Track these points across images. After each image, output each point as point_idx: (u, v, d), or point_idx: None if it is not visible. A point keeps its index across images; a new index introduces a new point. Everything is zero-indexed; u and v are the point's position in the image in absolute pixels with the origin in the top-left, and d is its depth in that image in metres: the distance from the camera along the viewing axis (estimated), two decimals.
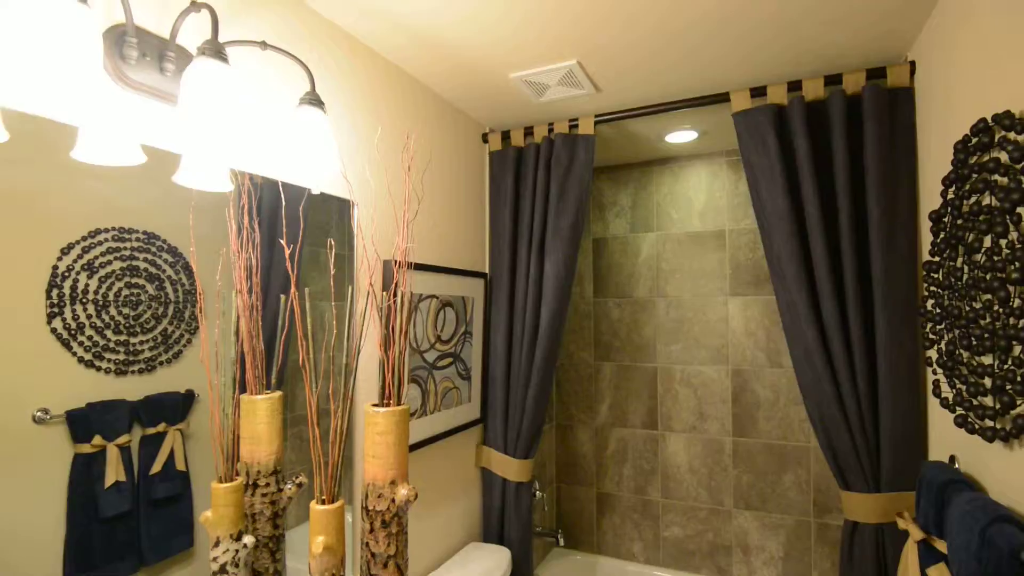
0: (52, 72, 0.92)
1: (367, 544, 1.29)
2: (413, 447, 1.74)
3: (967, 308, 1.18)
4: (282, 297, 1.45)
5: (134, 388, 1.07)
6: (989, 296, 1.09)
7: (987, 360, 1.12)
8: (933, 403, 1.54)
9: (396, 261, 1.35)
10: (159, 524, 1.12)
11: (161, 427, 1.12)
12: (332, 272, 1.48)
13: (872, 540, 1.61)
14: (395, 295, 1.33)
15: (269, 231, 1.37)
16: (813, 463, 2.42)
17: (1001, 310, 1.04)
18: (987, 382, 1.12)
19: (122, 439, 1.04)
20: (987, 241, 1.13)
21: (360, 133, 1.58)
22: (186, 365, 1.17)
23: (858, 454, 1.63)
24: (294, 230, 1.42)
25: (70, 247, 0.96)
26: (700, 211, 2.65)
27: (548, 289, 2.03)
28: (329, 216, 1.51)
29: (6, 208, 0.88)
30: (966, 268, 1.20)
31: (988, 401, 1.13)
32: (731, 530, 2.57)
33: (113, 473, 1.03)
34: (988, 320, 1.08)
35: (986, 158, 1.11)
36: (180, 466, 1.17)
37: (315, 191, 1.45)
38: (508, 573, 1.94)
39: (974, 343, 1.13)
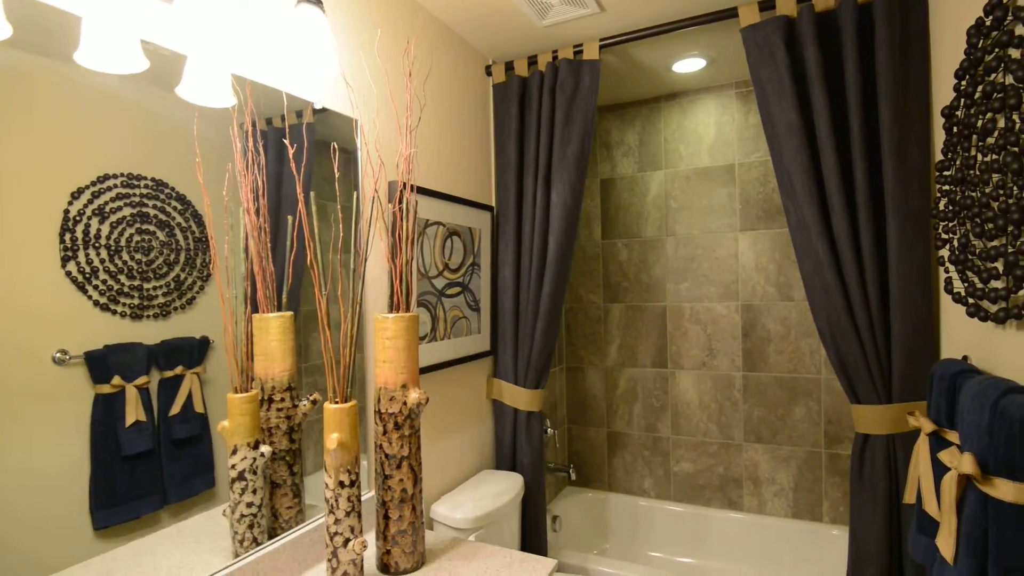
0: None
1: (380, 446, 1.32)
2: (424, 370, 1.76)
3: (979, 195, 1.16)
4: (289, 218, 1.45)
5: (150, 332, 1.08)
6: (999, 175, 1.07)
7: (1000, 243, 1.11)
8: (946, 310, 1.53)
9: (400, 171, 1.35)
10: (181, 464, 1.14)
11: (178, 370, 1.14)
12: (337, 176, 1.48)
13: (883, 451, 1.62)
14: (400, 202, 1.33)
15: (275, 164, 1.37)
16: (824, 394, 2.43)
17: (1015, 186, 1.02)
18: (999, 265, 1.10)
19: (140, 380, 1.06)
20: (1000, 121, 1.11)
21: (358, 47, 1.56)
22: (200, 312, 1.18)
23: (869, 366, 1.63)
24: (297, 149, 1.42)
25: (80, 191, 0.97)
26: (709, 146, 2.61)
27: (555, 219, 2.02)
28: (334, 164, 1.51)
29: (15, 144, 0.88)
30: (979, 155, 1.18)
31: (999, 284, 1.12)
32: (741, 463, 2.59)
33: (133, 413, 1.05)
34: (1001, 200, 1.07)
35: (1000, 34, 1.08)
36: (199, 408, 1.19)
37: (318, 105, 1.44)
38: (521, 495, 1.98)
39: (987, 227, 1.11)
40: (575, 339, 2.96)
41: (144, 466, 1.07)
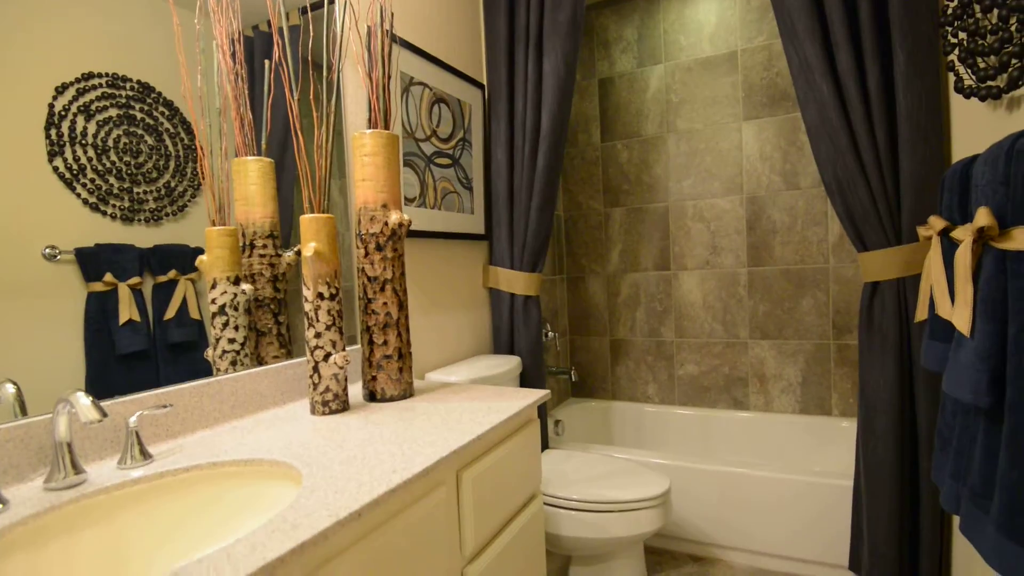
0: None
1: (363, 269, 1.27)
2: (414, 233, 1.71)
3: None
4: (266, 62, 1.40)
5: (142, 236, 1.07)
6: None
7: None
8: (956, 135, 1.45)
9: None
10: (177, 369, 1.13)
11: (172, 274, 1.12)
12: None
13: (893, 297, 1.55)
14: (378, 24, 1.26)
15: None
16: (832, 284, 2.35)
17: None
18: (1012, 25, 1.02)
19: (133, 280, 1.05)
20: None
21: None
22: (192, 222, 1.17)
23: (877, 208, 1.55)
24: None
25: (64, 87, 0.95)
26: (710, 34, 2.51)
27: (548, 89, 1.95)
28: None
29: None
30: None
31: (1013, 47, 1.04)
32: (747, 362, 2.52)
33: (127, 311, 1.04)
34: None
35: None
36: (194, 315, 1.17)
37: None
38: (519, 372, 1.93)
39: None
40: (575, 248, 2.89)
41: (140, 368, 1.06)
